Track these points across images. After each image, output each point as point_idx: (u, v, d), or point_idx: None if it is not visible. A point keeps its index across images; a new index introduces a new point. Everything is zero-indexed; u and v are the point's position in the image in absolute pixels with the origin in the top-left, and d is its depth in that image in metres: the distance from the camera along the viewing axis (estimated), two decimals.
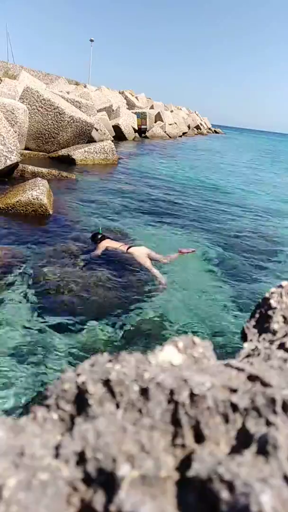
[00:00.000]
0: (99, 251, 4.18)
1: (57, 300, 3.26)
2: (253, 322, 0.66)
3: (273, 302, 0.66)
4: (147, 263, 4.05)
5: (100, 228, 4.78)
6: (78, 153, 9.82)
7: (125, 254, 4.15)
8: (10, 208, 5.27)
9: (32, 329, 2.84)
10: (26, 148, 10.02)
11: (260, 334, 0.61)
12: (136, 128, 20.74)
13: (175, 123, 29.41)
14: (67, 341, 2.78)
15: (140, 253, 4.12)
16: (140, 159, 13.26)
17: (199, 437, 0.36)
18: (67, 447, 0.34)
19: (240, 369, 0.44)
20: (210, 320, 3.33)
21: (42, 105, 9.87)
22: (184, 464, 0.34)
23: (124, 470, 0.32)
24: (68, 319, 3.03)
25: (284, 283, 0.70)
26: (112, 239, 4.38)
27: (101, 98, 18.29)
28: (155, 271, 3.98)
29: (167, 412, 0.37)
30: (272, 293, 0.68)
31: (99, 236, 4.38)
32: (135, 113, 21.73)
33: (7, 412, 2.10)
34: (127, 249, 4.16)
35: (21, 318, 2.95)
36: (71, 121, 10.25)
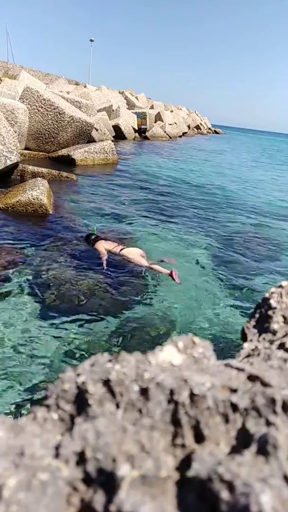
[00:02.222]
0: (104, 255, 4.11)
1: (57, 300, 3.26)
2: (253, 322, 0.66)
3: (273, 302, 0.66)
4: (144, 262, 3.99)
5: (95, 228, 4.76)
6: (78, 153, 9.82)
7: (117, 256, 4.11)
8: (10, 208, 5.27)
9: (31, 328, 2.84)
10: (26, 148, 10.02)
11: (260, 334, 0.61)
12: (136, 128, 20.73)
13: (175, 123, 29.40)
14: (67, 341, 2.78)
15: (134, 254, 4.07)
16: (140, 159, 13.26)
17: (199, 437, 0.36)
18: (67, 447, 0.34)
19: (240, 369, 0.44)
20: (210, 320, 3.33)
21: (42, 105, 9.87)
22: (184, 464, 0.34)
23: (124, 470, 0.32)
24: (67, 319, 3.03)
25: (284, 283, 0.70)
26: (106, 240, 4.34)
27: (101, 98, 18.28)
28: (157, 266, 3.94)
29: (167, 412, 0.37)
30: (272, 293, 0.68)
31: (93, 238, 4.36)
32: (135, 113, 21.72)
33: (7, 412, 2.10)
34: (120, 250, 4.10)
35: (20, 317, 2.95)
36: (71, 121, 10.25)
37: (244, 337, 0.64)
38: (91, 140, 11.85)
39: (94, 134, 12.41)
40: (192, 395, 0.38)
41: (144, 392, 0.39)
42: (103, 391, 0.39)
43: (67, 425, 0.38)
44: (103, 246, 4.19)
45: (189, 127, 36.86)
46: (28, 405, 2.16)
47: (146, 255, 4.22)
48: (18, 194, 5.43)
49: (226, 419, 0.37)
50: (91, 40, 40.16)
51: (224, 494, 0.29)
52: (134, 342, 2.89)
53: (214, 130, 57.64)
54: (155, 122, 25.39)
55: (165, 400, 0.38)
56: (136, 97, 28.33)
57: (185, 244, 5.20)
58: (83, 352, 2.68)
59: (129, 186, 8.46)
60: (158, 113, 26.56)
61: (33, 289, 3.37)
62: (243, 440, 0.35)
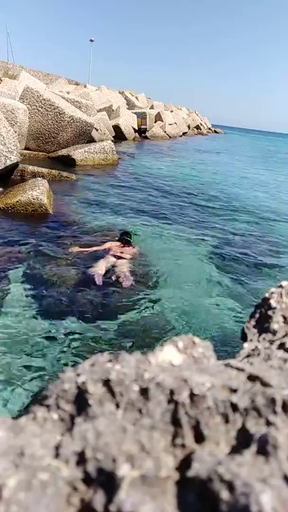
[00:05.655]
0: (109, 251, 4.27)
1: (56, 300, 3.26)
2: (253, 322, 0.66)
3: (273, 302, 0.66)
4: (97, 275, 3.72)
5: (133, 230, 4.91)
6: (78, 153, 9.81)
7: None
8: (10, 208, 5.27)
9: (30, 328, 2.84)
10: (26, 148, 10.02)
11: (260, 334, 0.61)
12: (136, 128, 20.72)
13: (175, 123, 29.39)
14: (67, 341, 2.78)
15: (95, 265, 3.91)
16: (140, 159, 13.25)
17: (199, 437, 0.36)
18: (67, 447, 0.34)
19: (240, 369, 0.44)
20: (210, 320, 3.33)
21: (42, 105, 9.87)
22: (184, 464, 0.34)
23: (124, 470, 0.32)
24: (67, 319, 3.03)
25: (284, 283, 0.70)
26: (115, 247, 4.36)
27: (101, 98, 18.27)
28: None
29: (167, 412, 0.37)
30: (272, 293, 0.68)
31: (123, 237, 4.52)
32: (135, 113, 21.71)
33: (8, 412, 2.10)
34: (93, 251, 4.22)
35: (20, 318, 2.95)
36: (71, 121, 10.25)
37: (244, 337, 0.64)
38: (91, 140, 11.85)
39: (94, 134, 12.41)
40: (192, 395, 0.38)
41: (144, 392, 0.39)
42: (103, 391, 0.39)
43: (67, 425, 0.38)
44: (108, 247, 4.35)
45: (189, 127, 36.85)
46: (28, 405, 2.16)
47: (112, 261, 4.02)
48: (18, 194, 5.42)
49: (226, 419, 0.37)
50: (91, 40, 40.13)
51: (224, 494, 0.29)
52: (134, 342, 2.89)
53: (214, 130, 57.67)
54: (155, 122, 25.38)
55: (165, 400, 0.38)
56: (136, 97, 28.31)
57: (186, 244, 5.20)
58: (83, 352, 2.68)
59: (129, 186, 8.46)
60: (158, 113, 26.55)
61: (33, 289, 3.37)
62: (243, 440, 0.35)
